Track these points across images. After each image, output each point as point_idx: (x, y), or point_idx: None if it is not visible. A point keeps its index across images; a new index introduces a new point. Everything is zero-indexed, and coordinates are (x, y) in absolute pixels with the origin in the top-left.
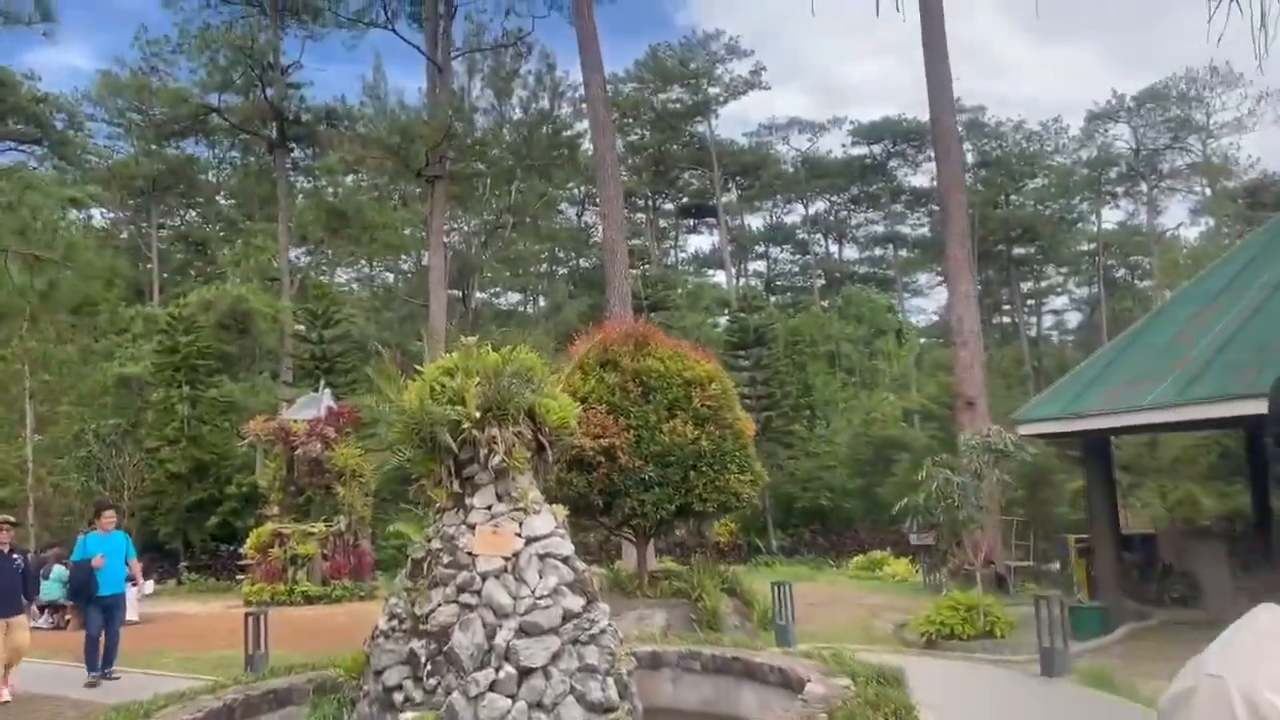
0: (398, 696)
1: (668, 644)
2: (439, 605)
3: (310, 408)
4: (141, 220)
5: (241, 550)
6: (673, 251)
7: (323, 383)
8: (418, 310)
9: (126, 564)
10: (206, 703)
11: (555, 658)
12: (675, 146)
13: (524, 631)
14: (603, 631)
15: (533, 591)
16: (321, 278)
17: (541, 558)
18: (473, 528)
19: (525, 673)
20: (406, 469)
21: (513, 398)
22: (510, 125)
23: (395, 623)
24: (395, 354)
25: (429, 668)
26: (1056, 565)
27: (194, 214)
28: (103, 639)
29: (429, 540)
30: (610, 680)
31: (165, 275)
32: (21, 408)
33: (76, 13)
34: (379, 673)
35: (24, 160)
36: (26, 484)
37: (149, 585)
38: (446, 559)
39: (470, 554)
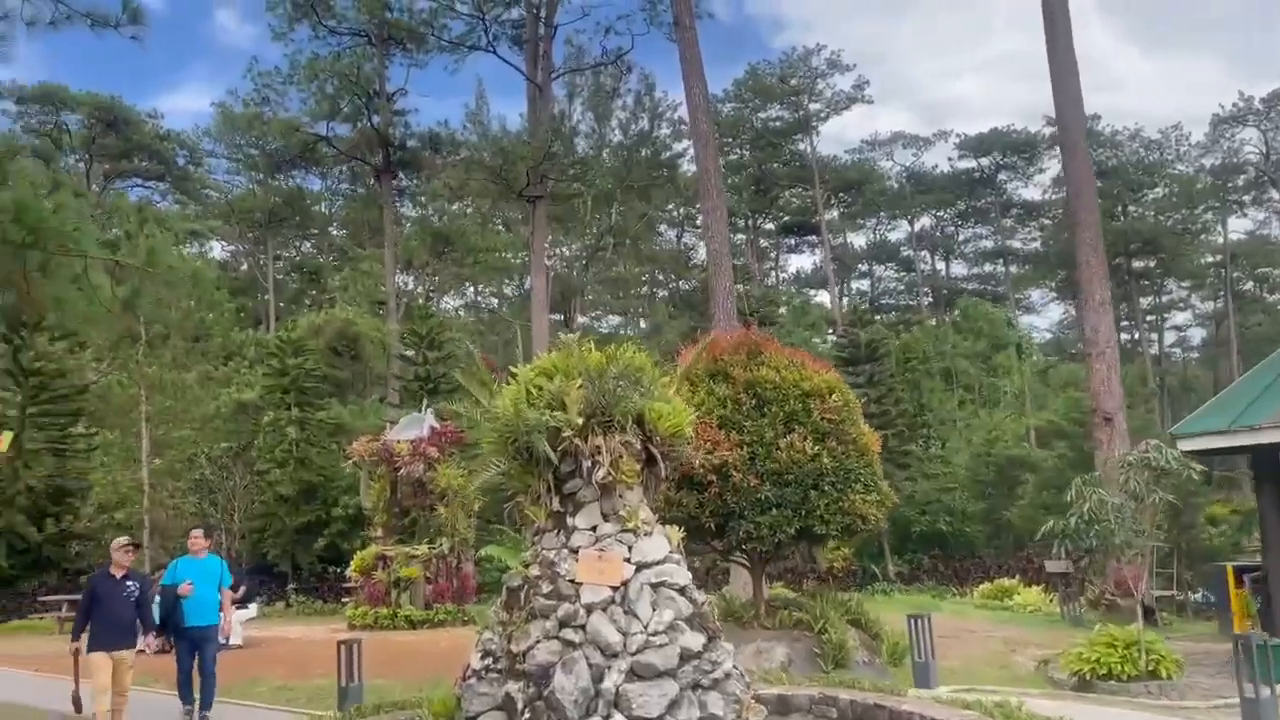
0: None
1: (796, 685)
2: (538, 642)
3: (413, 428)
4: (259, 252)
5: (347, 573)
6: (773, 272)
7: (425, 402)
8: (520, 333)
9: (220, 592)
10: None
11: (673, 706)
12: (776, 165)
13: (636, 674)
14: (727, 675)
15: (645, 627)
16: (427, 302)
17: (654, 587)
18: (575, 552)
19: None
20: (506, 488)
21: (619, 402)
22: (610, 148)
23: (489, 661)
24: (493, 358)
25: (527, 715)
26: (1201, 595)
27: (308, 245)
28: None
29: (526, 566)
30: None
31: (281, 305)
32: (139, 431)
33: (200, 57)
34: (471, 719)
35: (148, 195)
36: (143, 506)
37: (252, 608)
38: (546, 588)
39: (573, 582)
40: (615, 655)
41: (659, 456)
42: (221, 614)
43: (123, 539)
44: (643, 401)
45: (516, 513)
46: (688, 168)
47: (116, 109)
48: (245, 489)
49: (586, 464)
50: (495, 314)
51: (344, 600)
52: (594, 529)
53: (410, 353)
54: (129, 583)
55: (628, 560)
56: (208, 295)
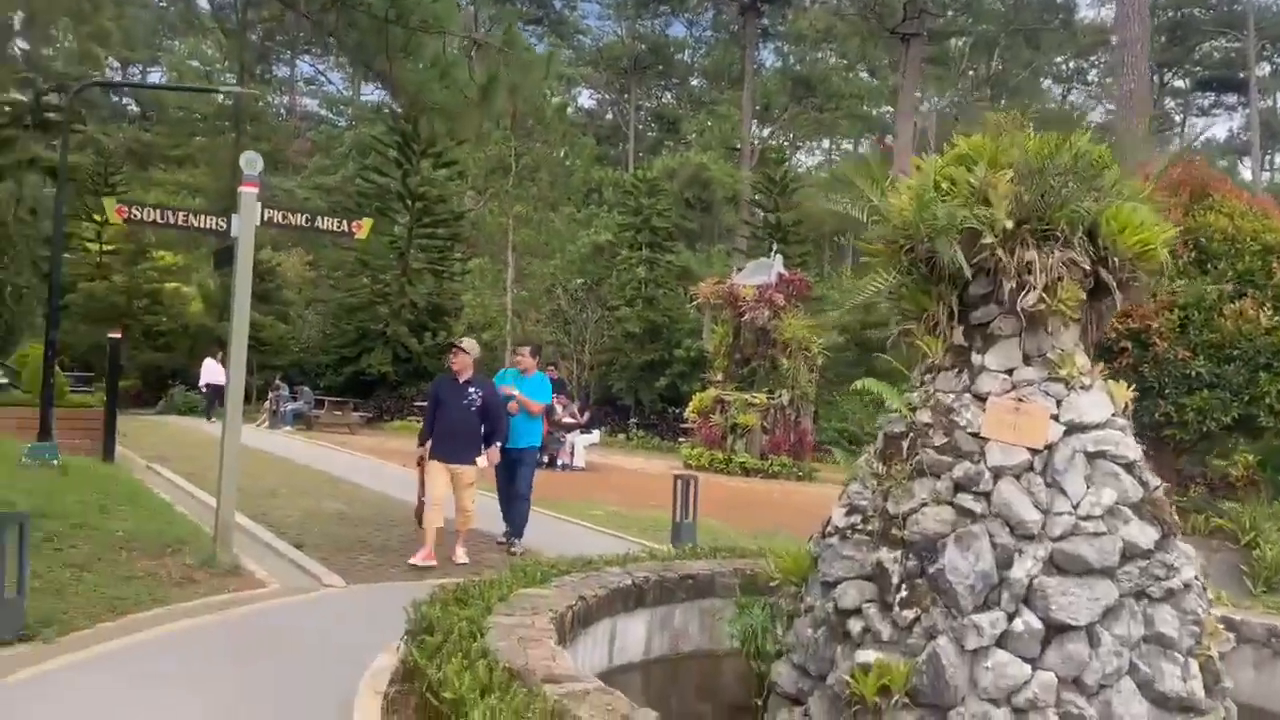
0: (854, 625)
1: (1244, 609)
2: (924, 505)
3: (760, 273)
4: (623, 101)
5: (685, 413)
6: (1177, 139)
7: (775, 248)
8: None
9: (547, 414)
10: (614, 578)
11: (1108, 615)
12: (1198, 10)
13: (1058, 566)
14: (1185, 586)
15: (1074, 507)
16: (781, 150)
17: (1091, 458)
18: (982, 399)
19: (1058, 630)
20: (862, 345)
21: (1065, 204)
22: None
23: (856, 519)
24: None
25: (904, 593)
26: None
27: (668, 96)
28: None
29: (913, 410)
30: (1193, 664)
31: (640, 154)
32: (506, 260)
33: None
34: (829, 585)
35: (525, 38)
36: (506, 329)
37: (595, 435)
38: (939, 440)
39: (976, 436)
40: (1030, 538)
41: (1113, 285)
42: (578, 430)
43: (456, 340)
44: (1097, 207)
45: (904, 342)
46: (1085, 13)
47: None
48: (596, 324)
49: (1009, 285)
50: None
51: (680, 439)
52: (1010, 373)
53: (761, 199)
54: (471, 390)
55: (1055, 418)
56: (574, 139)
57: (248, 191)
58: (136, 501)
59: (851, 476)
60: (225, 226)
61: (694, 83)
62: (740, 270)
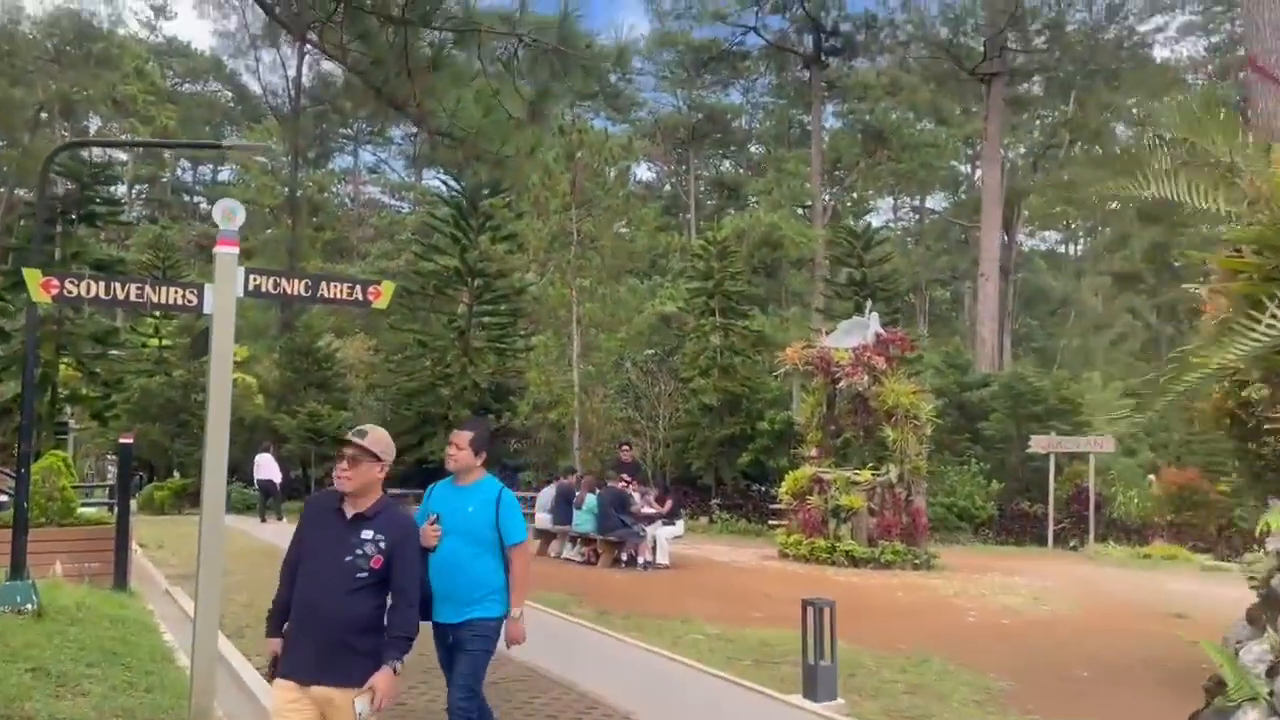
0: None
1: None
2: None
3: (855, 334)
4: (681, 172)
5: (774, 493)
6: None
7: (869, 305)
8: (959, 244)
9: (507, 557)
10: None
11: None
12: None
13: None
14: None
15: None
16: (863, 208)
17: None
18: None
19: None
20: (963, 409)
21: None
22: (1073, 24)
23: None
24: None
25: None
26: None
27: (727, 164)
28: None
29: None
30: None
31: (701, 223)
32: (570, 334)
33: None
34: None
35: (581, 114)
36: (573, 407)
37: (679, 525)
38: None
39: None
40: None
41: None
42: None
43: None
44: None
45: None
46: (1166, 53)
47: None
48: (670, 397)
49: None
50: (938, 217)
51: (770, 522)
52: None
53: (843, 255)
54: (365, 532)
55: None
56: (635, 208)
57: (224, 252)
58: (121, 656)
59: (1239, 633)
60: (196, 301)
61: (753, 149)
62: (830, 332)
